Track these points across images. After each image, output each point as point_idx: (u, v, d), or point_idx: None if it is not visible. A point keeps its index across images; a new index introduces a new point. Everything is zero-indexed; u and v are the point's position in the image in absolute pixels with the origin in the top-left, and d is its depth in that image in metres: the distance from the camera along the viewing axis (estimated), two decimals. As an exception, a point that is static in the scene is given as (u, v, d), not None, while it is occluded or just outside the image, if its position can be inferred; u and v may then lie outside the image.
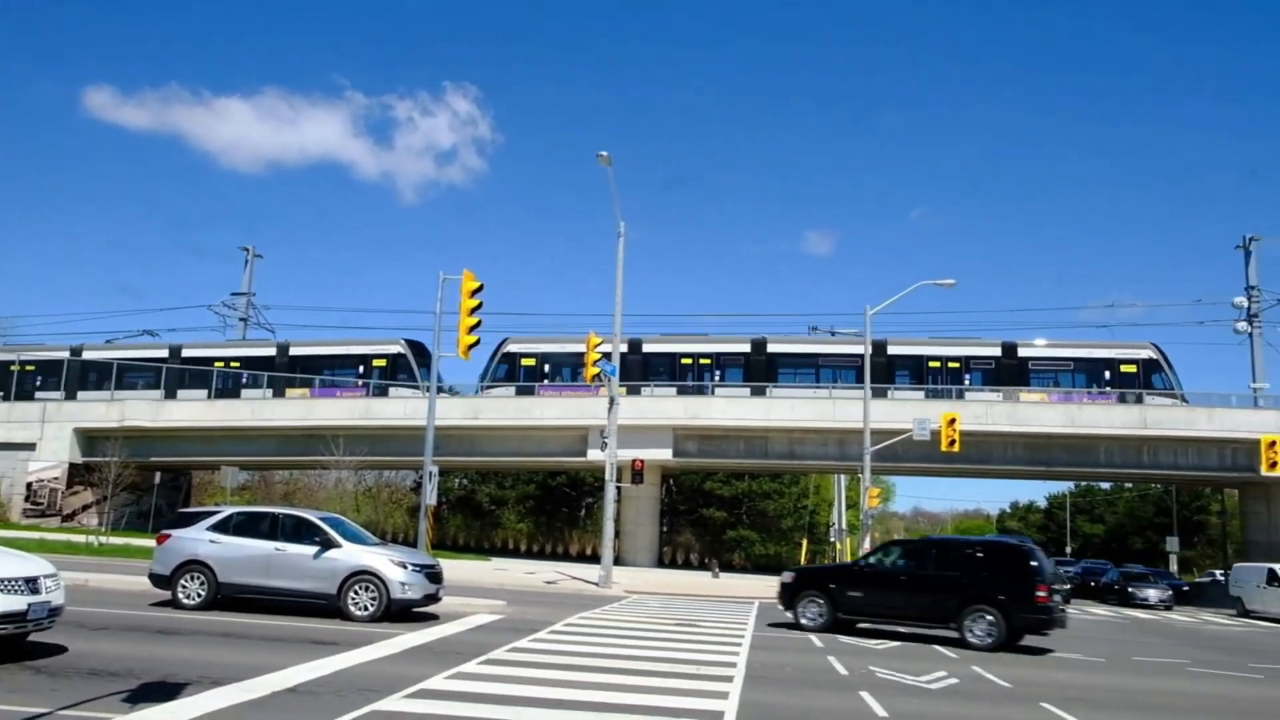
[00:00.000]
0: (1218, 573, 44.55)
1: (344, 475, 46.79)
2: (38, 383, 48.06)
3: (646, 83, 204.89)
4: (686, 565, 55.02)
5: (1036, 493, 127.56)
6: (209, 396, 45.55)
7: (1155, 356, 40.40)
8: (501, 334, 45.38)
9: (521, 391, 43.37)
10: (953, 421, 34.92)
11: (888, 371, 41.39)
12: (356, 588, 15.55)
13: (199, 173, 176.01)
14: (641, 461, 32.45)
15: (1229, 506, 59.72)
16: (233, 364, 46.82)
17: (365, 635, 13.71)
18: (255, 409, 44.05)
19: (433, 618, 16.80)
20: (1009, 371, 40.78)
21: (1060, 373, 41.13)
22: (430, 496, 23.51)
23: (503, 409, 42.38)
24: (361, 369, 45.33)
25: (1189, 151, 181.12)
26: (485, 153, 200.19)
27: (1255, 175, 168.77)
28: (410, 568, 15.98)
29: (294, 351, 46.72)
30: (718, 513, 60.20)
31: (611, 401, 29.44)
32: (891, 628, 18.83)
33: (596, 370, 28.41)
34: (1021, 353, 41.14)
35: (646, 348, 43.39)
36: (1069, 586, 37.91)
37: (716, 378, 42.61)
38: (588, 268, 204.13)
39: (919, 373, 41.65)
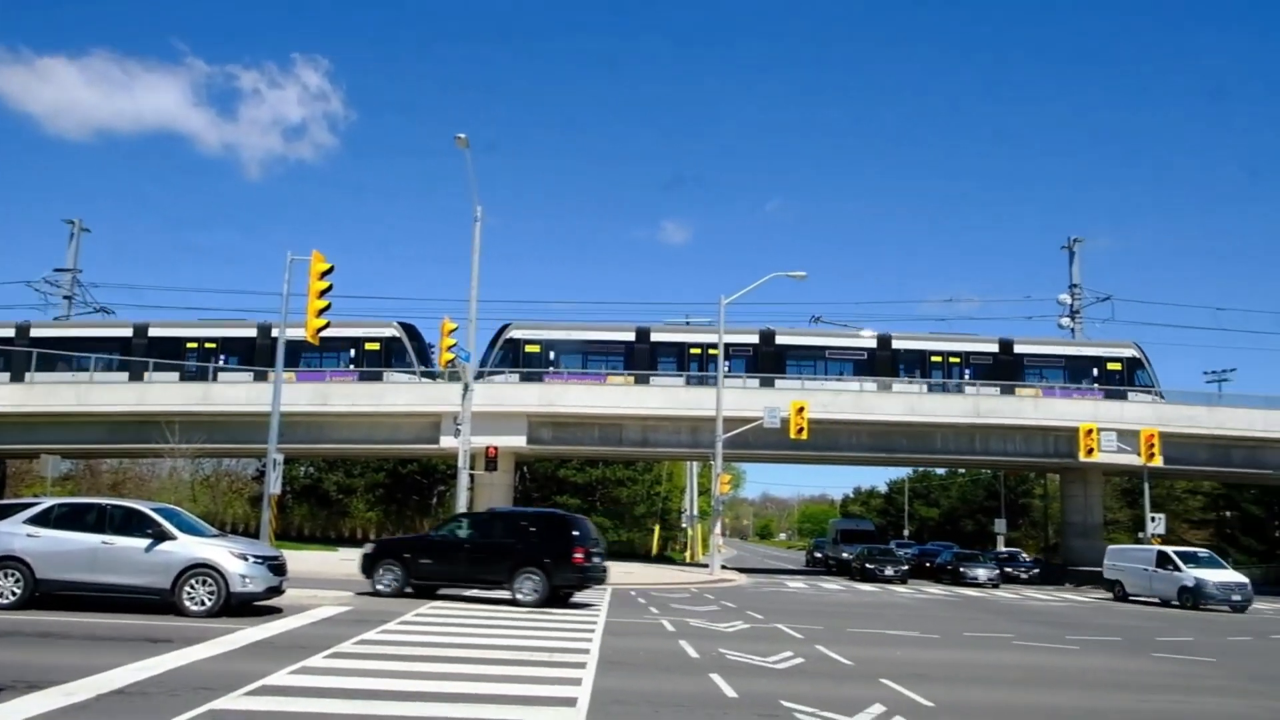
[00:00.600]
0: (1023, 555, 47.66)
1: (180, 464, 44.49)
2: None
3: (514, 63, 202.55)
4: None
5: (878, 478, 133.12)
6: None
7: (1138, 355, 42.98)
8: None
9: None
10: (801, 410, 36.00)
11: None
12: (193, 582, 14.81)
13: (18, 137, 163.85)
14: (496, 449, 32.18)
15: (1051, 490, 63.73)
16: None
17: (202, 631, 13.07)
18: (81, 393, 41.27)
19: (276, 611, 16.18)
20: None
21: (1047, 369, 42.92)
22: (274, 485, 22.61)
23: (353, 394, 41.16)
24: (353, 352, 42.70)
25: (1022, 157, 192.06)
26: (337, 129, 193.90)
27: (1080, 182, 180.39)
28: (251, 559, 15.33)
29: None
30: (571, 500, 60.25)
31: (466, 388, 29.03)
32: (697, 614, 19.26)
33: (451, 356, 27.89)
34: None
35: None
36: (906, 567, 39.97)
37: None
38: (439, 251, 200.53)
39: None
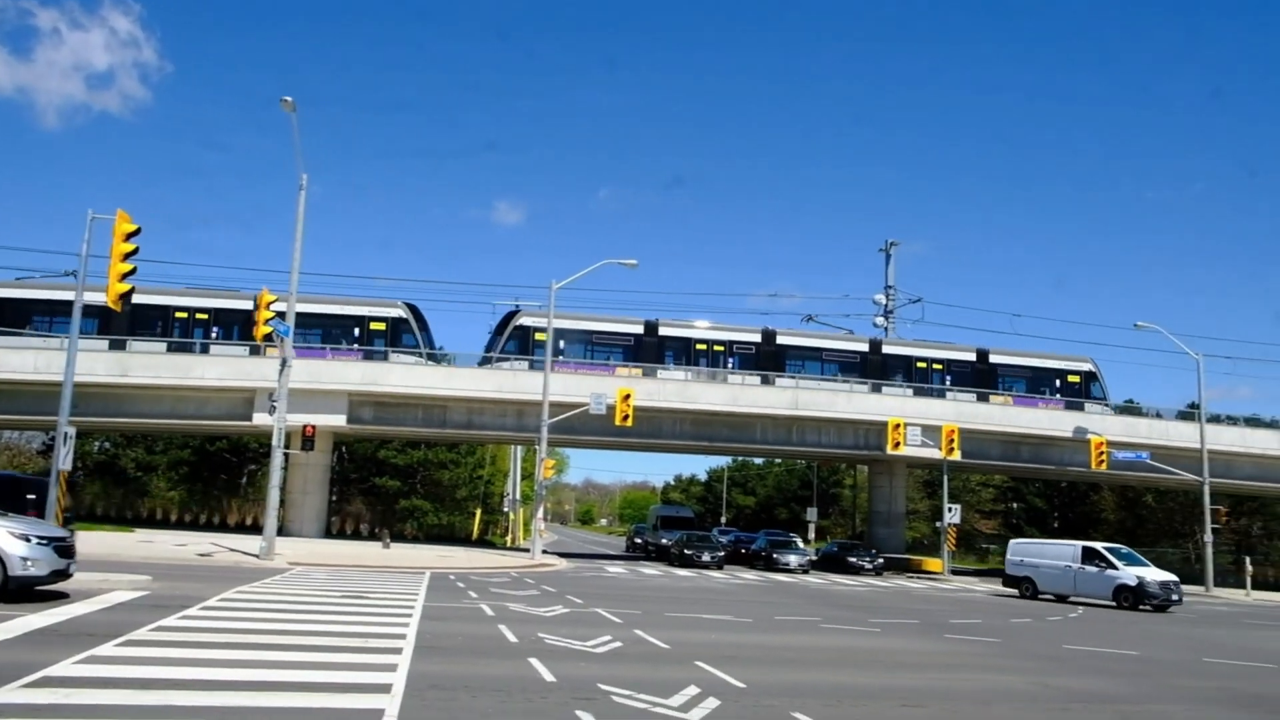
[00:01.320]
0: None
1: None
2: None
3: (351, 29, 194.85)
4: (356, 535, 53.38)
5: (699, 467, 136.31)
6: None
7: (1093, 369, 45.54)
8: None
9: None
10: (627, 397, 36.39)
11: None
12: (-35, 564, 13.56)
13: None
14: (313, 428, 31.06)
15: (860, 481, 66.97)
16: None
17: (-25, 617, 12.00)
18: None
19: (62, 596, 15.04)
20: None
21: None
22: (64, 461, 20.96)
23: (157, 367, 38.76)
24: (358, 331, 41.11)
25: (846, 162, 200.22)
26: (149, 81, 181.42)
27: (898, 188, 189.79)
28: (35, 540, 14.15)
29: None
30: (391, 482, 58.86)
31: (284, 364, 27.81)
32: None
33: (268, 330, 26.63)
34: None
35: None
36: (723, 553, 41.11)
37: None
38: (259, 220, 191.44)
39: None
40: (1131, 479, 52.51)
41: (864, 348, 44.58)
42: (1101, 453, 41.06)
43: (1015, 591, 31.26)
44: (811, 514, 65.91)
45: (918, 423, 41.20)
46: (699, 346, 43.29)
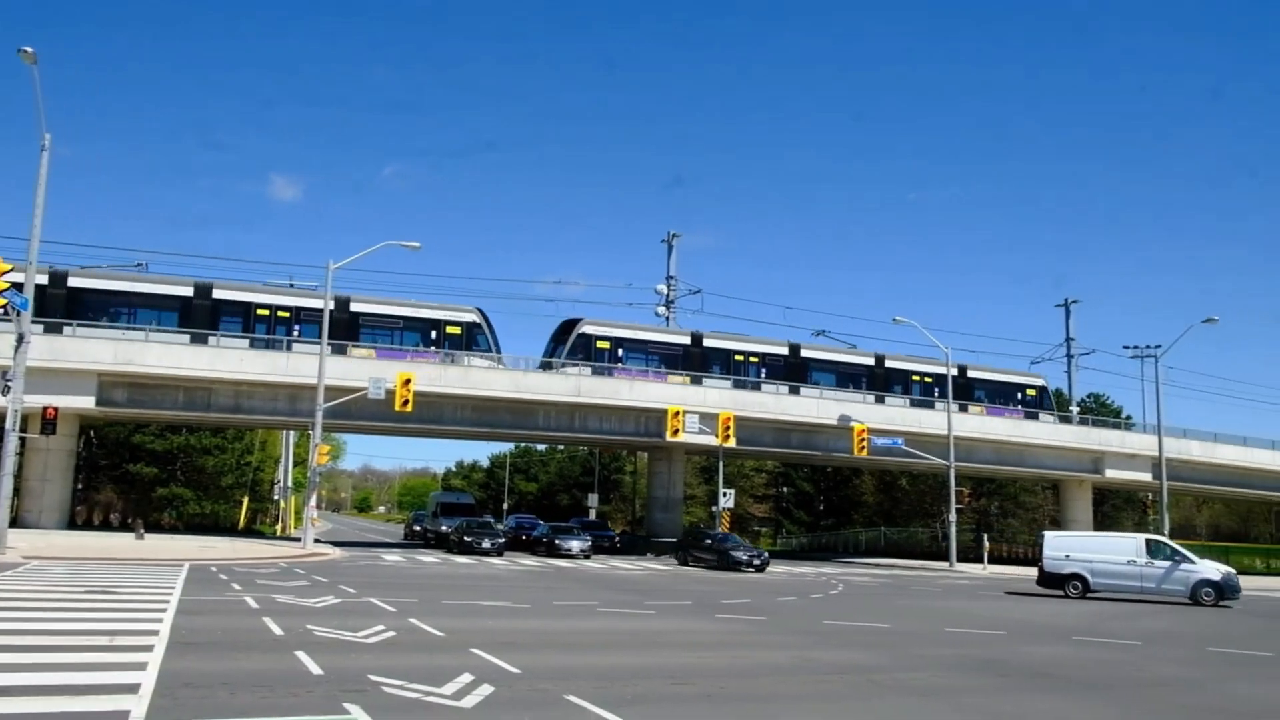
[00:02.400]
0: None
1: None
2: None
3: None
4: (107, 526, 49.39)
5: (482, 453, 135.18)
6: None
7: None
8: None
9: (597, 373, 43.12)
10: (408, 382, 35.52)
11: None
12: None
13: None
14: (55, 409, 28.52)
15: (640, 467, 68.45)
16: None
17: None
18: None
19: None
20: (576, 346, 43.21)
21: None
22: None
23: None
24: (435, 334, 42.02)
25: (631, 154, 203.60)
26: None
27: (682, 183, 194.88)
28: None
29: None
30: (147, 469, 54.76)
31: (20, 339, 25.31)
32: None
33: (4, 301, 24.13)
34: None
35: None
36: (504, 539, 40.97)
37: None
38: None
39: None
40: (889, 464, 56.43)
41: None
42: (862, 440, 43.87)
43: (1061, 592, 28.24)
44: (593, 500, 66.85)
45: (696, 410, 42.52)
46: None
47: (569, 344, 44.31)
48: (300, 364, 38.14)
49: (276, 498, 64.78)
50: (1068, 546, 29.11)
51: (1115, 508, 72.51)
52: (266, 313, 39.40)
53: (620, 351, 44.84)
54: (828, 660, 12.57)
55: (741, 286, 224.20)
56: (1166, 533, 48.10)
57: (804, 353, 48.19)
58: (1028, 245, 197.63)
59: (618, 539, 48.62)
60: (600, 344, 44.45)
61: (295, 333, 40.03)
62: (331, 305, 37.14)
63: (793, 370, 47.48)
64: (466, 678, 9.66)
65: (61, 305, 37.54)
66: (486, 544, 38.98)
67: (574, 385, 42.69)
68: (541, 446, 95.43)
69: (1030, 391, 53.57)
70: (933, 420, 47.81)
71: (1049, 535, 30.83)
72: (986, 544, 48.33)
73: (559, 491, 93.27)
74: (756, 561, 36.15)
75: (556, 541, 40.45)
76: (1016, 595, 28.41)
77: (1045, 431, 51.70)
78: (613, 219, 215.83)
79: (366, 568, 28.18)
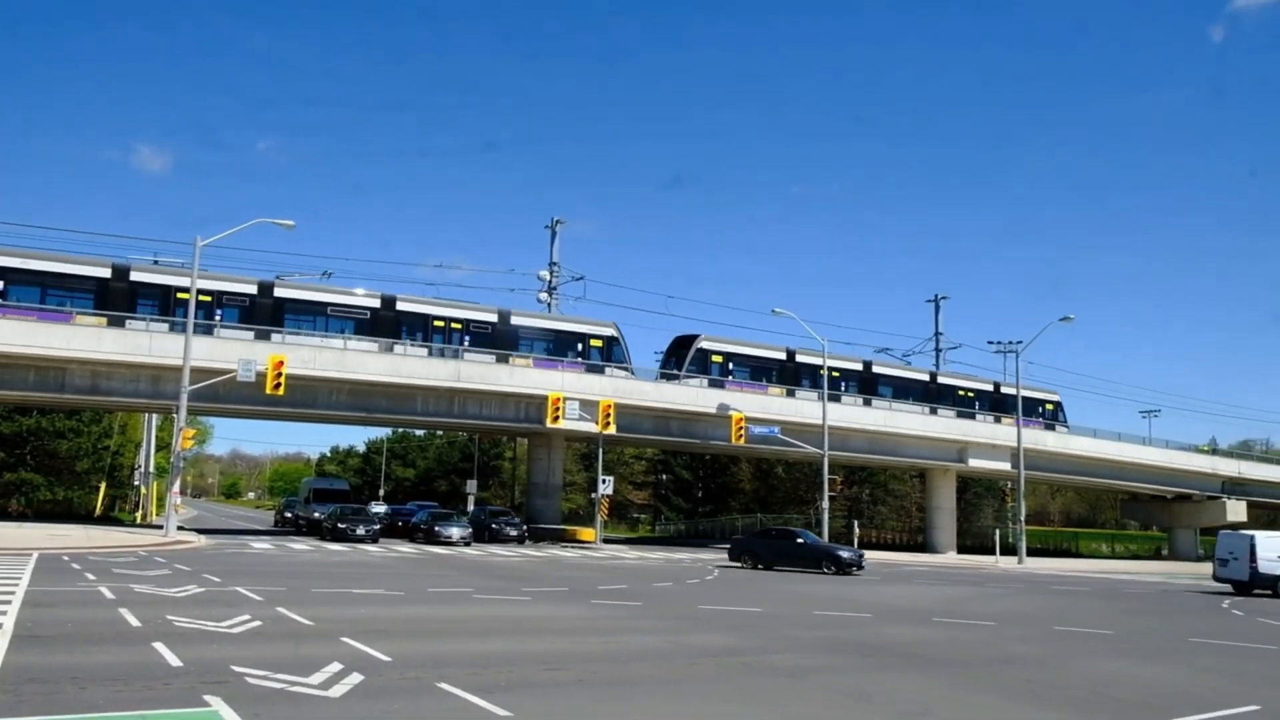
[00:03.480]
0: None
1: None
2: None
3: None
4: (-53, 514, 46.38)
5: (357, 438, 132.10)
6: None
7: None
8: None
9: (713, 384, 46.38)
10: (280, 365, 34.43)
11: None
12: None
13: None
14: (-110, 389, 26.56)
15: (520, 453, 68.09)
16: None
17: None
18: None
19: None
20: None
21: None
22: None
23: None
24: (580, 347, 45.10)
25: (509, 129, 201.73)
26: None
27: (566, 164, 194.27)
28: None
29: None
30: (-7, 453, 51.61)
31: None
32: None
33: None
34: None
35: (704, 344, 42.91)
36: (379, 526, 40.20)
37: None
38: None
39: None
40: (766, 452, 57.54)
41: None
42: (740, 428, 44.65)
43: (1269, 592, 28.92)
44: (471, 486, 66.09)
45: (577, 397, 42.52)
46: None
47: (685, 361, 47.40)
48: (164, 344, 36.43)
49: (137, 484, 61.86)
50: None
51: (977, 495, 75.90)
52: (186, 296, 37.00)
53: (731, 365, 48.33)
54: (700, 644, 12.79)
55: (647, 278, 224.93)
56: (1022, 519, 50.69)
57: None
58: (902, 241, 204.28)
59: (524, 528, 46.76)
60: (715, 358, 48.11)
61: (218, 318, 38.53)
62: (201, 284, 35.69)
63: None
64: (335, 667, 9.46)
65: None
66: (361, 530, 38.17)
67: (454, 370, 42.09)
68: (420, 432, 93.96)
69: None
70: (808, 410, 48.95)
71: (1259, 536, 30.82)
72: (857, 530, 49.90)
73: (437, 478, 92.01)
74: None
75: (436, 528, 39.90)
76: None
77: (917, 422, 53.56)
78: (500, 205, 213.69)
79: (233, 555, 27.26)
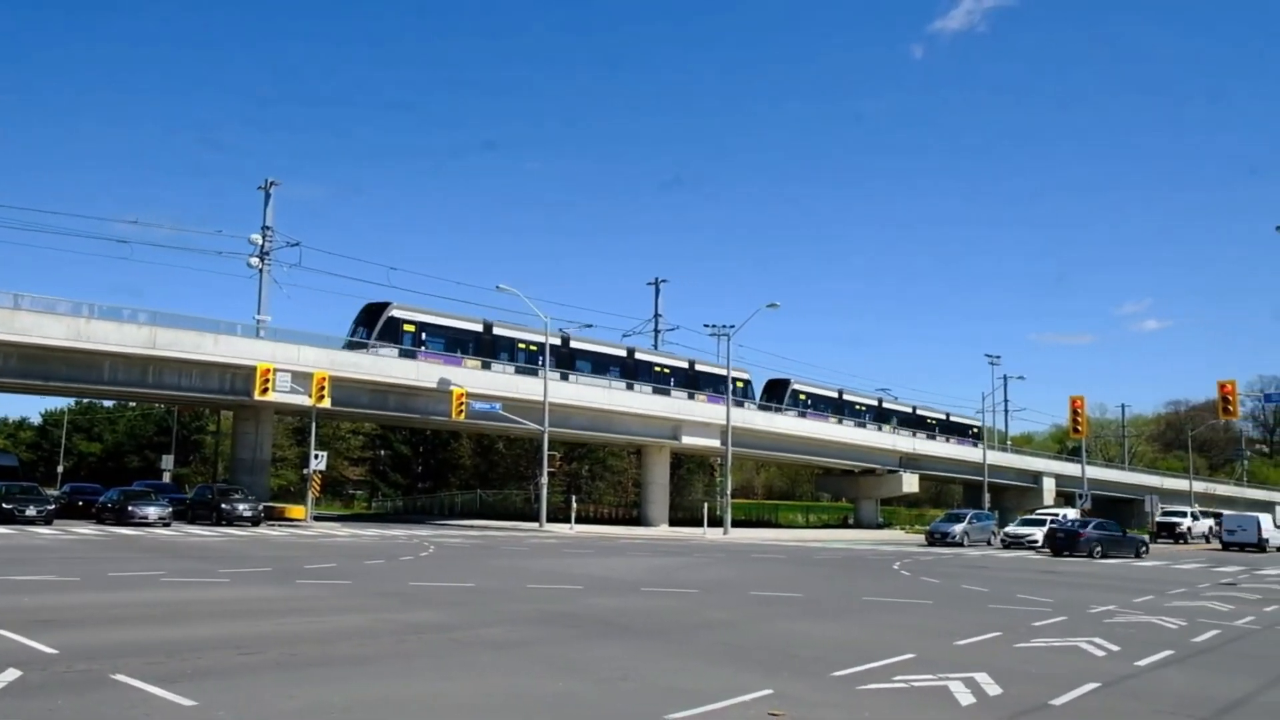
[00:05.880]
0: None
1: None
2: None
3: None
4: None
5: (32, 409, 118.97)
6: None
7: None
8: None
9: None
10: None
11: None
12: None
13: None
14: None
15: (224, 427, 63.86)
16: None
17: None
18: None
19: None
20: None
21: None
22: None
23: None
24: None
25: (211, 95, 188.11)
26: None
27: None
28: None
29: None
30: None
31: None
32: None
33: None
34: None
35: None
36: (53, 506, 36.39)
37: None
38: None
39: None
40: (487, 428, 57.42)
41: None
42: (461, 403, 44.26)
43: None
44: (168, 461, 61.33)
45: (288, 369, 40.44)
46: None
47: (374, 330, 45.69)
48: None
49: None
50: None
51: (690, 471, 79.68)
52: None
53: (424, 335, 46.93)
54: (409, 620, 12.56)
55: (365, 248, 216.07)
56: (728, 493, 53.83)
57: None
58: (624, 227, 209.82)
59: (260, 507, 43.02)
60: (406, 327, 46.54)
61: None
62: None
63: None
64: (-14, 663, 8.44)
65: None
66: (31, 511, 34.45)
67: (149, 336, 38.71)
68: (109, 402, 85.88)
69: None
70: (530, 386, 49.31)
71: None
72: (575, 505, 50.97)
73: (129, 453, 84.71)
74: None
75: (130, 508, 36.50)
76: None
77: (637, 400, 55.32)
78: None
79: None
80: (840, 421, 69.61)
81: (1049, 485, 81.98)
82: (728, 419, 52.65)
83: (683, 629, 12.80)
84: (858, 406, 73.68)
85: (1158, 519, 57.87)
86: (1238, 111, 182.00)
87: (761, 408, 64.38)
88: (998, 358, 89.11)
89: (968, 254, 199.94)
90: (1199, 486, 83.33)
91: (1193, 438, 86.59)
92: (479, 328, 50.21)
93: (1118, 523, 41.94)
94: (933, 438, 77.88)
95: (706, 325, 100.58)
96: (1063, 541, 36.02)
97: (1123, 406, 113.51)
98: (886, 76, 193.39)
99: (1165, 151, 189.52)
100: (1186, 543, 54.23)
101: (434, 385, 45.80)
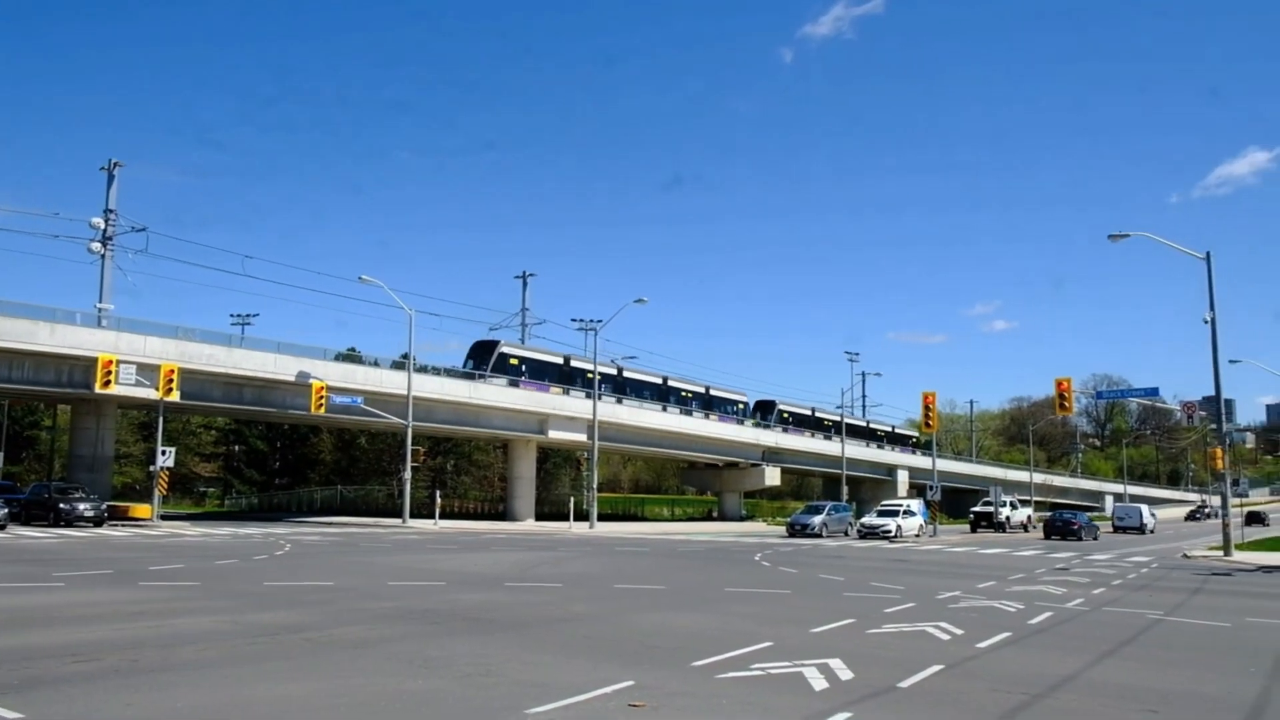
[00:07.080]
0: None
1: None
2: None
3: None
4: None
5: None
6: None
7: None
8: None
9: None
10: None
11: None
12: None
13: None
14: None
15: (61, 422, 60.24)
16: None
17: None
18: None
19: None
20: None
21: None
22: None
23: None
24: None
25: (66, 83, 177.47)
26: None
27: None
28: None
29: None
30: None
31: None
32: None
33: None
34: None
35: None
36: None
37: None
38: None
39: None
40: (348, 422, 55.95)
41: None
42: (321, 397, 42.97)
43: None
44: (-1, 459, 57.34)
45: (133, 360, 38.42)
46: None
47: (487, 364, 47.59)
48: None
49: None
50: None
51: (556, 465, 79.55)
52: None
53: (524, 368, 50.86)
54: (263, 622, 12.11)
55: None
56: (594, 487, 53.97)
57: None
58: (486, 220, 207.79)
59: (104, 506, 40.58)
60: (512, 360, 51.25)
61: None
62: None
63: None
64: None
65: None
66: None
67: (-26, 326, 36.14)
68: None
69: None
70: (393, 380, 48.32)
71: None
72: (439, 500, 50.19)
73: (-49, 450, 78.67)
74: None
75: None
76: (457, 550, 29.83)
77: (500, 395, 54.80)
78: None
79: None
80: (682, 412, 68.43)
81: (903, 478, 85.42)
82: (594, 414, 52.74)
83: (546, 623, 12.77)
84: (683, 394, 70.32)
85: (974, 508, 60.19)
86: (1095, 119, 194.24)
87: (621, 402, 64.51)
88: (857, 355, 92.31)
89: (837, 253, 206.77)
90: (1039, 478, 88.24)
91: (1033, 432, 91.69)
92: None
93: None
94: (798, 432, 79.97)
95: (574, 320, 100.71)
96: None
97: (971, 402, 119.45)
98: (757, 77, 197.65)
99: (1026, 161, 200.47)
100: (1005, 531, 56.74)
101: (292, 378, 44.31)
